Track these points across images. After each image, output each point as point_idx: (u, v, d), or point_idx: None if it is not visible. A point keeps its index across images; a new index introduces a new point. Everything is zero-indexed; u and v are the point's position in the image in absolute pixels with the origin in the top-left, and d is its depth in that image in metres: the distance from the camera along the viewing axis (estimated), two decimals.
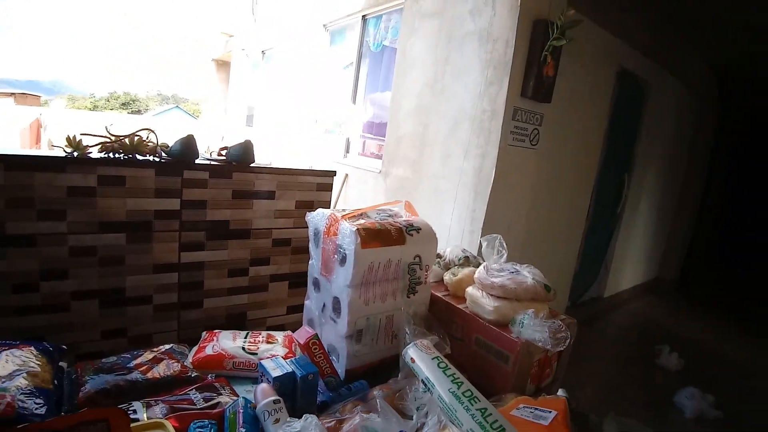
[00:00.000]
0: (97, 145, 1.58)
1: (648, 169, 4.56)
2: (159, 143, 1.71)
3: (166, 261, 1.78)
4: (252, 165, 1.89)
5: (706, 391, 2.85)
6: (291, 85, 5.38)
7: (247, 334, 1.25)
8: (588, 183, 3.72)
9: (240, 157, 1.84)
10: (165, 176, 1.69)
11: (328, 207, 2.16)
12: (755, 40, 3.94)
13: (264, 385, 0.86)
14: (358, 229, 1.05)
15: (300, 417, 0.74)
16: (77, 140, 1.52)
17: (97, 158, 1.57)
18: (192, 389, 0.93)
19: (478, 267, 1.24)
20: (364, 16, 4.01)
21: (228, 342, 1.18)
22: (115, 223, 1.64)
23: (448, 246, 1.58)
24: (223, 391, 0.95)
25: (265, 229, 1.99)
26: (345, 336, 1.10)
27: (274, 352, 1.14)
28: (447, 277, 1.32)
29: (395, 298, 1.14)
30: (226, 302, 1.96)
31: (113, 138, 1.59)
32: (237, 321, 1.99)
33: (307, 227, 1.24)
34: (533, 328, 0.99)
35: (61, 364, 0.97)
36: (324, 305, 1.19)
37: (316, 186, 2.07)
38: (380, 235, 1.09)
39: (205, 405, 0.88)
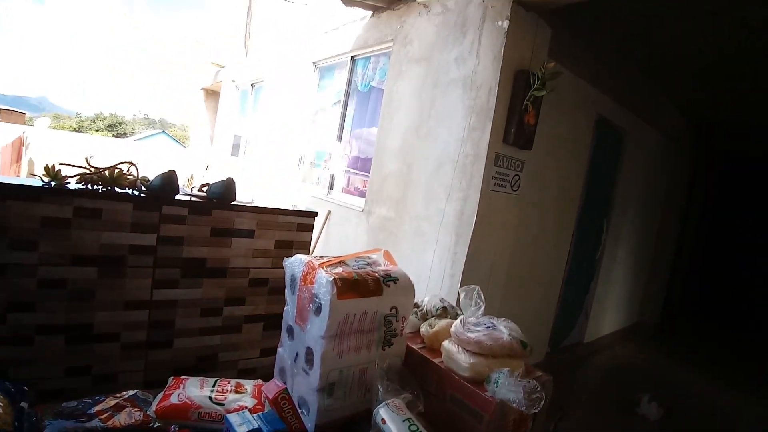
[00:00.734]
0: (76, 175, 1.55)
1: (625, 213, 4.69)
2: (140, 177, 1.69)
3: (137, 298, 1.73)
4: (233, 203, 1.88)
5: None
6: (278, 118, 5.43)
7: (216, 381, 1.20)
8: (568, 228, 3.81)
9: (221, 195, 1.83)
10: (143, 211, 1.67)
11: (308, 247, 2.16)
12: (726, 85, 4.16)
13: None
14: (335, 279, 1.04)
15: None
16: (56, 170, 1.49)
17: (75, 189, 1.55)
18: None
19: (455, 318, 1.24)
20: (353, 57, 4.12)
21: (195, 390, 1.14)
22: (88, 256, 1.60)
23: (427, 293, 1.58)
24: None
25: (243, 268, 1.96)
26: (316, 389, 1.07)
27: (243, 404, 1.10)
28: (424, 328, 1.31)
29: (369, 351, 1.13)
30: (197, 343, 1.90)
31: (93, 170, 1.57)
32: (207, 363, 1.93)
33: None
34: (508, 387, 0.98)
35: (22, 404, 0.92)
36: (297, 355, 1.16)
37: (297, 226, 2.06)
38: (357, 285, 1.08)
39: None
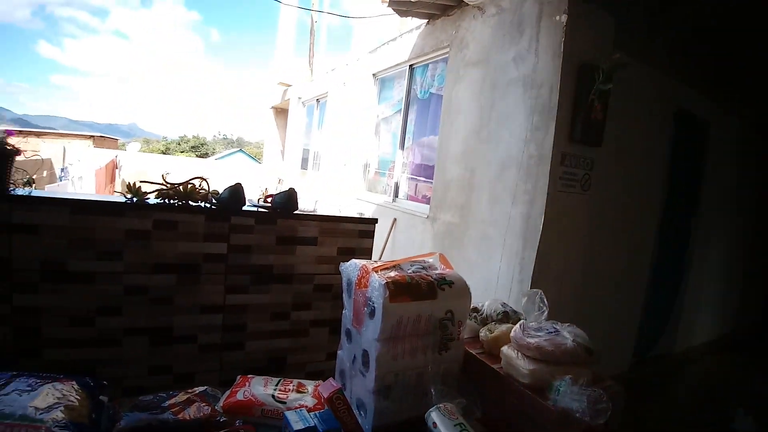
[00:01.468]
0: (154, 191, 1.70)
1: (716, 212, 4.25)
2: (210, 190, 1.81)
3: (212, 302, 1.85)
4: (295, 212, 1.96)
5: None
6: (342, 130, 5.60)
7: (279, 381, 1.25)
8: (650, 229, 3.52)
9: (284, 204, 1.91)
10: (214, 221, 1.79)
11: (370, 253, 2.19)
12: None
13: None
14: (387, 282, 1.05)
15: None
16: (136, 187, 1.65)
17: (153, 204, 1.69)
18: None
19: (517, 323, 1.19)
20: (411, 66, 4.15)
21: (259, 388, 1.19)
22: (167, 264, 1.74)
23: (488, 299, 1.53)
24: None
25: (308, 275, 2.03)
26: (373, 391, 1.07)
27: (303, 403, 1.14)
28: (483, 333, 1.27)
29: (425, 354, 1.11)
30: (268, 345, 1.99)
31: (168, 185, 1.71)
32: (277, 364, 2.01)
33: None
34: (570, 396, 0.92)
35: (101, 398, 1.02)
36: (354, 357, 1.18)
37: (358, 233, 2.10)
38: (410, 288, 1.08)
39: None
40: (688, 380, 3.95)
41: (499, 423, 1.07)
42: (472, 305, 1.41)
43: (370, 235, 2.14)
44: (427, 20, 3.81)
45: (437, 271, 1.22)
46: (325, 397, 0.98)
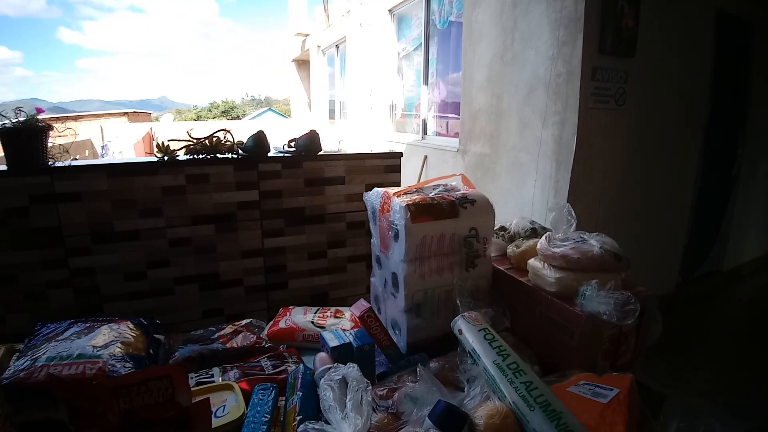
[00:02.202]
0: (182, 148, 1.76)
1: (764, 123, 3.91)
2: (235, 141, 1.85)
3: (251, 247, 1.94)
4: (320, 153, 1.98)
5: None
6: (365, 74, 5.47)
7: (317, 309, 1.33)
8: (693, 143, 3.29)
9: (307, 147, 1.93)
10: (243, 170, 1.84)
11: (398, 187, 2.20)
12: None
13: (322, 354, 0.92)
14: (407, 204, 1.06)
15: None
16: (165, 145, 1.71)
17: (184, 160, 1.76)
18: (264, 358, 1.02)
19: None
20: None
21: (299, 317, 1.27)
22: (205, 215, 1.83)
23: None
24: (290, 360, 1.02)
25: (339, 213, 2.07)
26: (404, 310, 1.12)
27: (340, 326, 1.21)
28: (510, 249, 1.27)
29: (453, 272, 1.14)
30: (309, 283, 2.09)
31: (195, 140, 1.76)
32: (320, 300, 2.11)
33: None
34: (597, 300, 0.92)
35: (157, 336, 1.12)
36: (385, 281, 1.22)
37: (384, 168, 2.11)
38: (431, 209, 1.08)
39: (273, 371, 0.96)
40: (738, 298, 3.82)
41: (528, 332, 1.10)
42: (499, 224, 1.41)
43: (397, 169, 2.14)
44: None
45: (459, 192, 1.22)
46: (357, 315, 1.03)
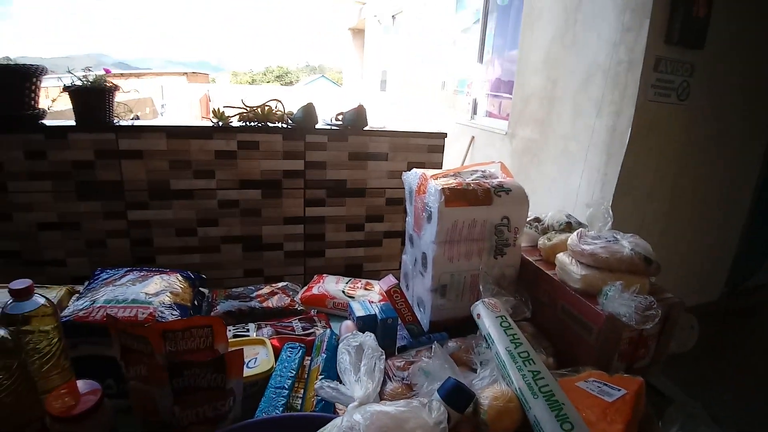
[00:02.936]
0: (236, 115, 1.85)
1: None
2: (285, 111, 1.93)
3: (293, 214, 2.04)
4: (365, 128, 2.02)
5: None
6: (419, 47, 5.39)
7: (349, 280, 1.40)
8: (759, 145, 3.06)
9: (354, 121, 1.98)
10: (290, 140, 1.92)
11: (440, 168, 2.22)
12: None
13: (348, 322, 0.99)
14: (443, 188, 1.09)
15: None
16: (221, 112, 1.80)
17: (236, 126, 1.85)
18: (295, 319, 1.11)
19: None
20: None
21: (332, 285, 1.35)
22: (253, 180, 1.93)
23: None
24: (319, 324, 1.10)
25: (379, 189, 2.13)
26: (430, 290, 1.16)
27: (369, 298, 1.27)
28: (541, 241, 1.28)
29: (480, 258, 1.17)
30: (344, 254, 2.17)
31: (248, 109, 1.84)
32: (354, 271, 2.20)
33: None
34: (618, 301, 0.93)
35: (202, 289, 1.22)
36: (416, 260, 1.27)
37: (427, 147, 2.13)
38: (466, 194, 1.11)
39: (302, 333, 1.04)
40: None
41: (548, 324, 1.12)
42: (534, 215, 1.42)
43: (440, 149, 2.15)
44: None
45: (496, 179, 1.23)
46: (385, 289, 1.09)
